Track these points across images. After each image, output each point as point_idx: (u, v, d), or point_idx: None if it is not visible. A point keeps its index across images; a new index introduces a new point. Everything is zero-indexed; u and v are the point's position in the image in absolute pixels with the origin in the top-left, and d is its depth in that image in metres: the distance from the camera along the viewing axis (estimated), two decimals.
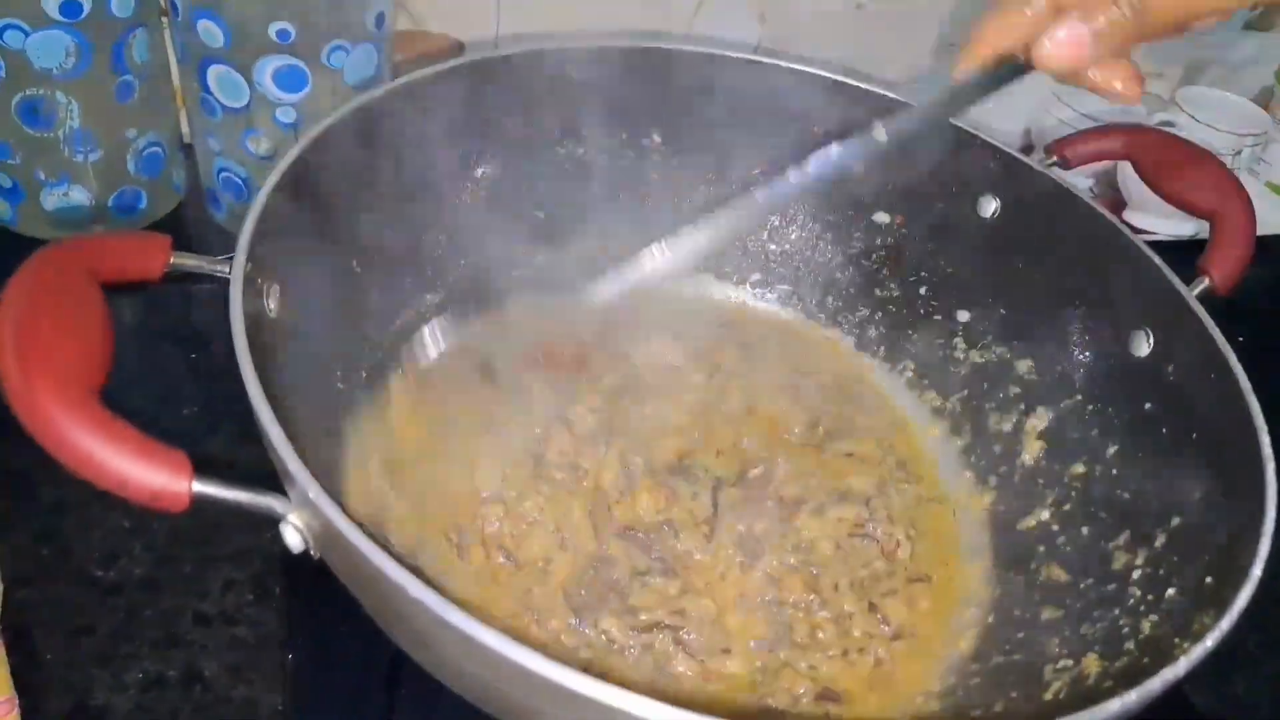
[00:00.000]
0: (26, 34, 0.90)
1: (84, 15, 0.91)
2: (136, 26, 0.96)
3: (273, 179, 0.66)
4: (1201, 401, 0.71)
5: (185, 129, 1.09)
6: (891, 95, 0.88)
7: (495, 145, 0.87)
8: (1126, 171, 1.24)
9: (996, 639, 0.72)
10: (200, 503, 0.51)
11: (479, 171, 0.87)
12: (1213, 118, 1.33)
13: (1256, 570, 0.57)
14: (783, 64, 0.89)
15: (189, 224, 1.08)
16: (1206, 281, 0.79)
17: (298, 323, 0.67)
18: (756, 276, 1.00)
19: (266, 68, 0.94)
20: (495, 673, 0.46)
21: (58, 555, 0.77)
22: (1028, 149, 1.38)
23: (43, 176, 1.00)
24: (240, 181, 1.02)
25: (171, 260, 0.61)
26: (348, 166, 0.74)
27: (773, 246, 0.99)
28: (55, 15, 0.89)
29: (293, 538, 0.53)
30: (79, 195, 1.02)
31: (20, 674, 0.66)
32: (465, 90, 0.81)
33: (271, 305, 0.64)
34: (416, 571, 0.46)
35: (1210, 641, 0.54)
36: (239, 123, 0.98)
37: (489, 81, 0.83)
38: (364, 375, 0.77)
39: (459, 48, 1.16)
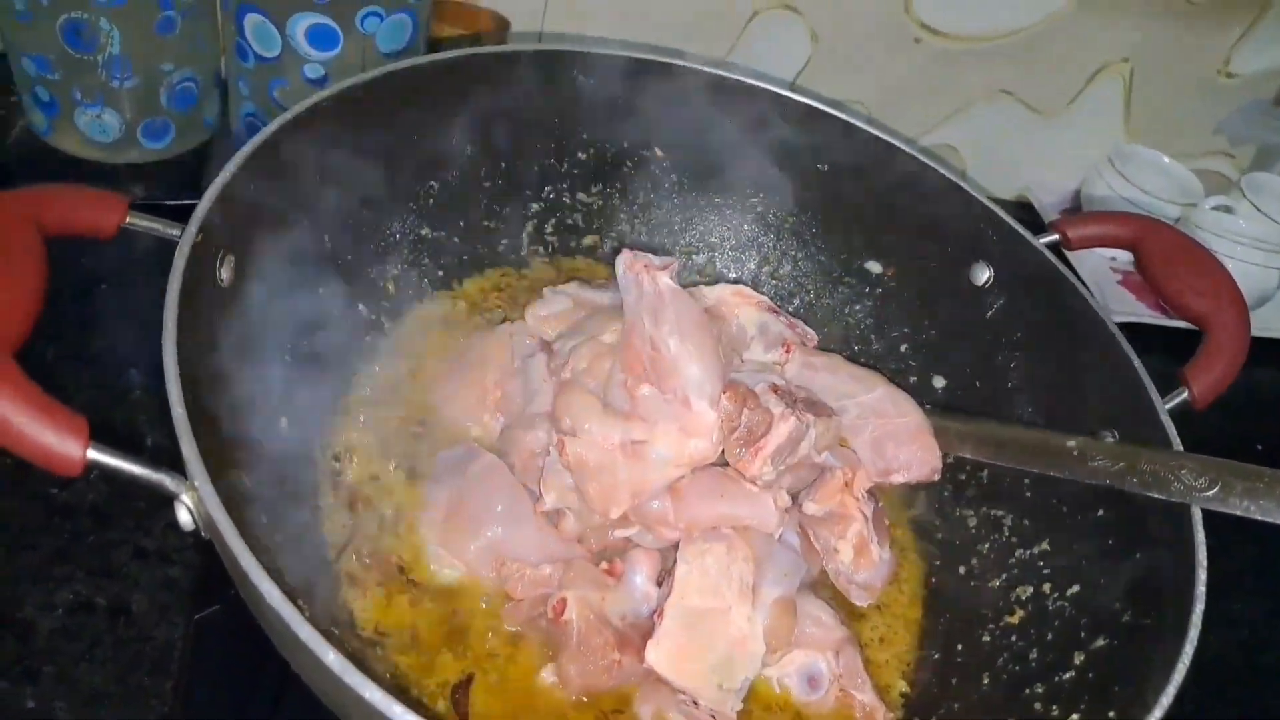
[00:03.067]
0: None
1: None
2: None
3: (244, 152, 0.67)
4: (1152, 520, 0.69)
5: (224, 70, 1.11)
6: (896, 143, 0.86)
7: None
8: None
9: None
10: (94, 470, 0.52)
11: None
12: (1277, 209, 1.27)
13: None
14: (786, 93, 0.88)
15: (212, 163, 1.10)
16: (1185, 394, 0.76)
17: (252, 295, 0.68)
18: None
19: (300, 23, 0.95)
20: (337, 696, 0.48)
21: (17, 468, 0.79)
22: (1076, 209, 1.35)
23: (79, 96, 1.03)
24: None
25: (126, 220, 0.62)
26: (327, 150, 0.74)
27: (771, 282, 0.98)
28: None
29: (184, 515, 0.53)
30: (110, 119, 1.05)
31: None
32: (455, 85, 0.81)
33: (224, 275, 0.66)
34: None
35: None
36: (269, 72, 1.00)
37: (481, 80, 0.83)
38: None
39: (504, 26, 1.15)
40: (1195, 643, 0.59)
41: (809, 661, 0.71)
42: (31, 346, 0.55)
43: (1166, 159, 1.34)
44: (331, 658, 0.46)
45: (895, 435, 0.77)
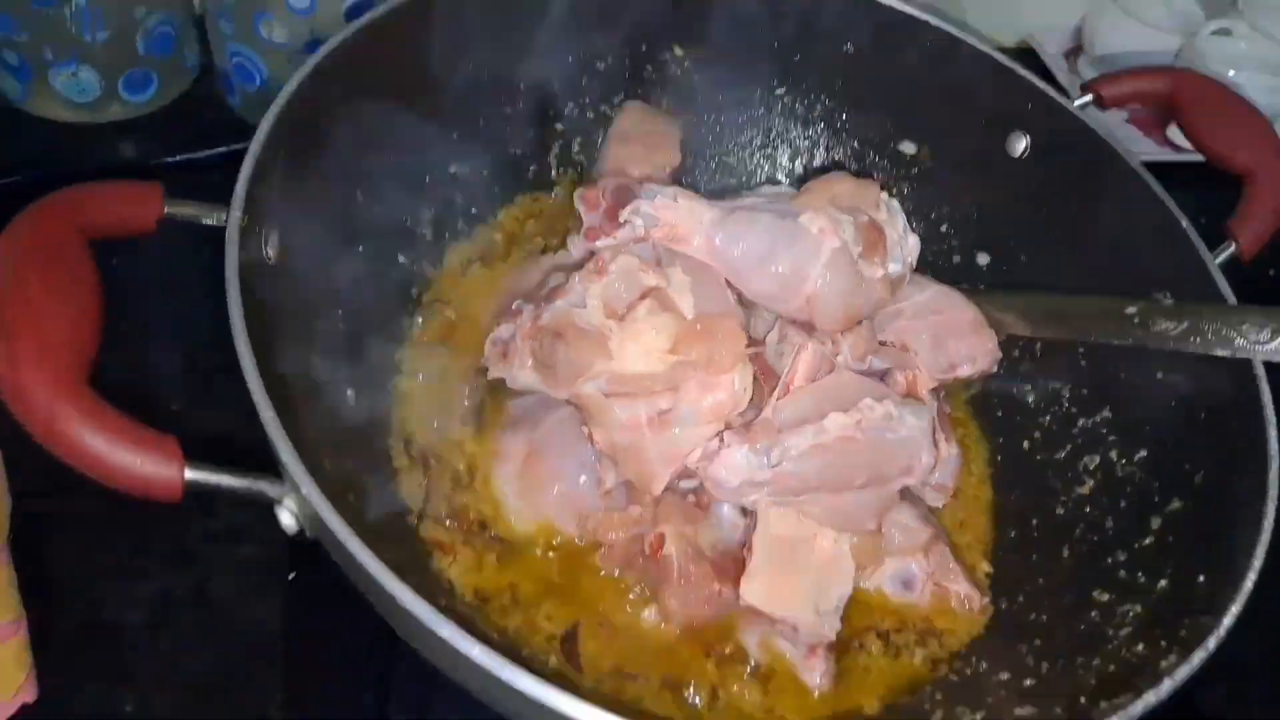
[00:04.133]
0: None
1: None
2: None
3: (266, 124, 0.63)
4: (1213, 378, 0.69)
5: (196, 3, 1.05)
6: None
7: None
8: None
9: None
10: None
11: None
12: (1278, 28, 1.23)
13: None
14: None
15: (202, 109, 1.05)
16: (1232, 247, 0.75)
17: (299, 267, 0.66)
18: None
19: None
20: (481, 684, 0.48)
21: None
22: (1076, 50, 1.31)
23: (50, 56, 0.98)
24: (253, 69, 0.99)
25: (165, 210, 0.60)
26: (351, 98, 0.71)
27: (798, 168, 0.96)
28: None
29: (287, 519, 0.53)
30: (88, 75, 1.00)
31: (32, 589, 0.65)
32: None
33: (270, 252, 0.63)
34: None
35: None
36: (251, 4, 0.95)
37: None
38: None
39: None
40: (1278, 500, 0.61)
41: (901, 566, 0.73)
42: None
43: None
44: (476, 652, 0.47)
45: (954, 330, 0.76)
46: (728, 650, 0.68)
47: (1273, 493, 0.61)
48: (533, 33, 0.82)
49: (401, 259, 0.80)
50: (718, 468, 0.65)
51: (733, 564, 0.69)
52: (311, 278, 0.68)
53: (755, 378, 0.68)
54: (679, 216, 0.69)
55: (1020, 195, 0.84)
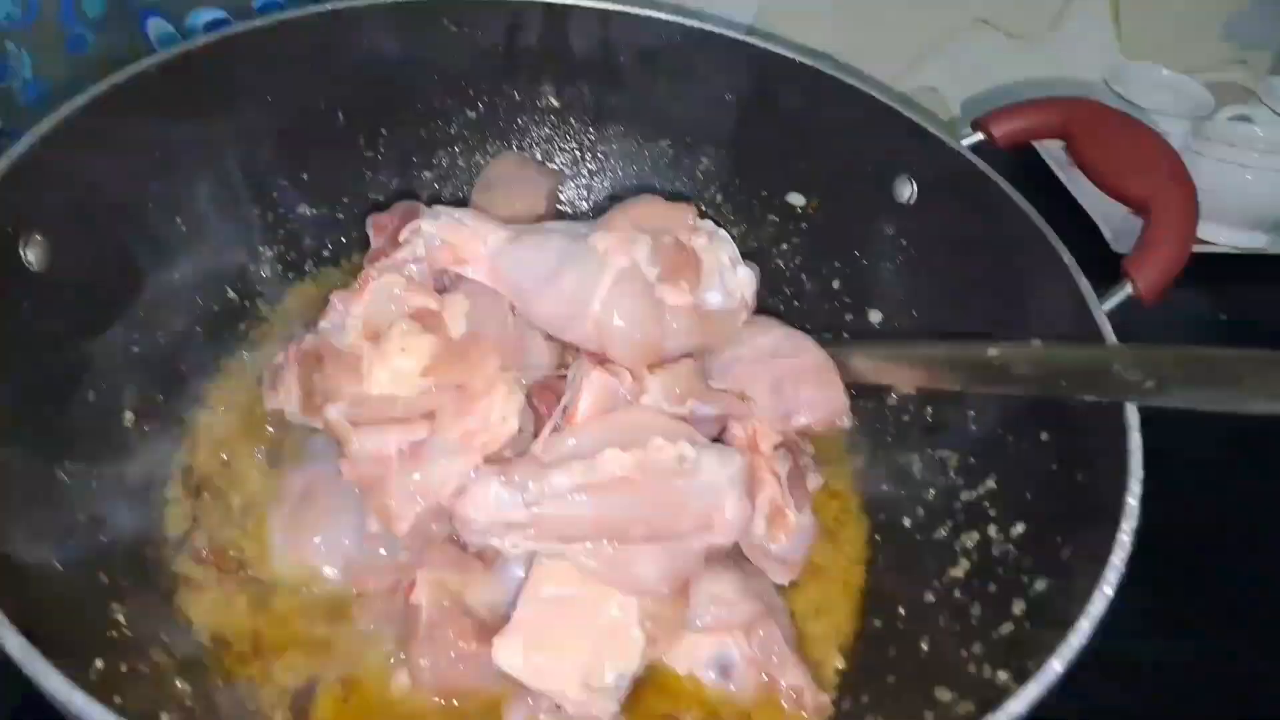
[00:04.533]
0: None
1: None
2: None
3: (42, 126, 0.62)
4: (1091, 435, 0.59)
5: None
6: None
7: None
8: None
9: None
10: None
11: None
12: None
13: None
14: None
15: None
16: (1129, 288, 0.65)
17: (81, 280, 0.63)
18: None
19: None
20: None
21: None
22: None
23: None
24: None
25: None
26: (170, 121, 0.69)
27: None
28: None
29: None
30: None
31: None
32: (317, 43, 0.76)
33: (30, 257, 0.60)
34: None
35: None
36: None
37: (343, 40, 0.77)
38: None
39: None
40: (1120, 568, 0.50)
41: (717, 647, 0.62)
42: None
43: (1167, 72, 1.21)
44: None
45: (794, 375, 0.67)
46: None
47: (1115, 558, 0.51)
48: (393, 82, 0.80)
49: (230, 292, 0.76)
50: (465, 503, 0.57)
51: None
52: (97, 293, 0.65)
53: (534, 410, 0.61)
54: (462, 237, 0.63)
55: (908, 244, 0.76)
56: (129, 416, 0.66)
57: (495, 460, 0.59)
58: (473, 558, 0.62)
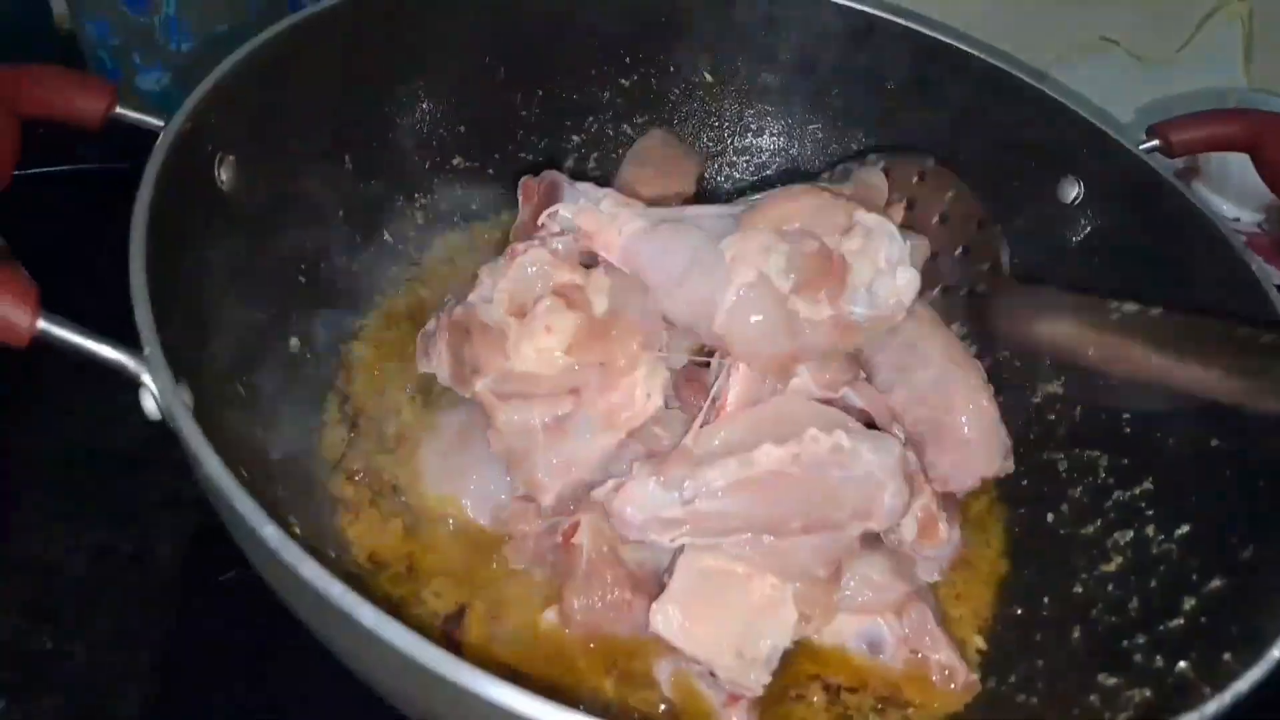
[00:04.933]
0: None
1: None
2: None
3: (252, 44, 0.63)
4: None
5: None
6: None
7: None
8: None
9: None
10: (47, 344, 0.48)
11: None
12: None
13: None
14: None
15: None
16: None
17: (262, 205, 0.65)
18: None
19: None
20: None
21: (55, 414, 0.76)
22: (1191, 171, 1.22)
23: (138, 60, 1.03)
24: None
25: (116, 109, 0.59)
26: (351, 58, 0.71)
27: None
28: None
29: (148, 403, 0.49)
30: (170, 81, 1.04)
31: None
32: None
33: (224, 176, 0.62)
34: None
35: None
36: None
37: None
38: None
39: None
40: None
41: (867, 624, 0.62)
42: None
43: None
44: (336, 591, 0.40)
45: (937, 436, 0.65)
46: (634, 673, 0.58)
47: None
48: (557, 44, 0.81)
49: (387, 236, 0.77)
50: (621, 502, 0.57)
51: (655, 584, 0.59)
52: (275, 220, 0.66)
53: (682, 400, 0.61)
54: (598, 224, 0.63)
55: (1071, 246, 0.75)
56: (294, 343, 0.68)
57: (639, 438, 0.60)
58: None
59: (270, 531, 0.41)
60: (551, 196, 0.65)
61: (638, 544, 0.60)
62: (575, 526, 0.59)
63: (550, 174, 0.67)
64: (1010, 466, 0.66)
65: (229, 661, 0.63)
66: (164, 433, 0.68)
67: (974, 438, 0.65)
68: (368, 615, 0.39)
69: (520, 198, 0.68)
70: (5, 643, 0.62)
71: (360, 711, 0.52)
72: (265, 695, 0.62)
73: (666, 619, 0.56)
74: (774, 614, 0.58)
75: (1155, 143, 0.74)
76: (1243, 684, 0.45)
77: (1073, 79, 1.22)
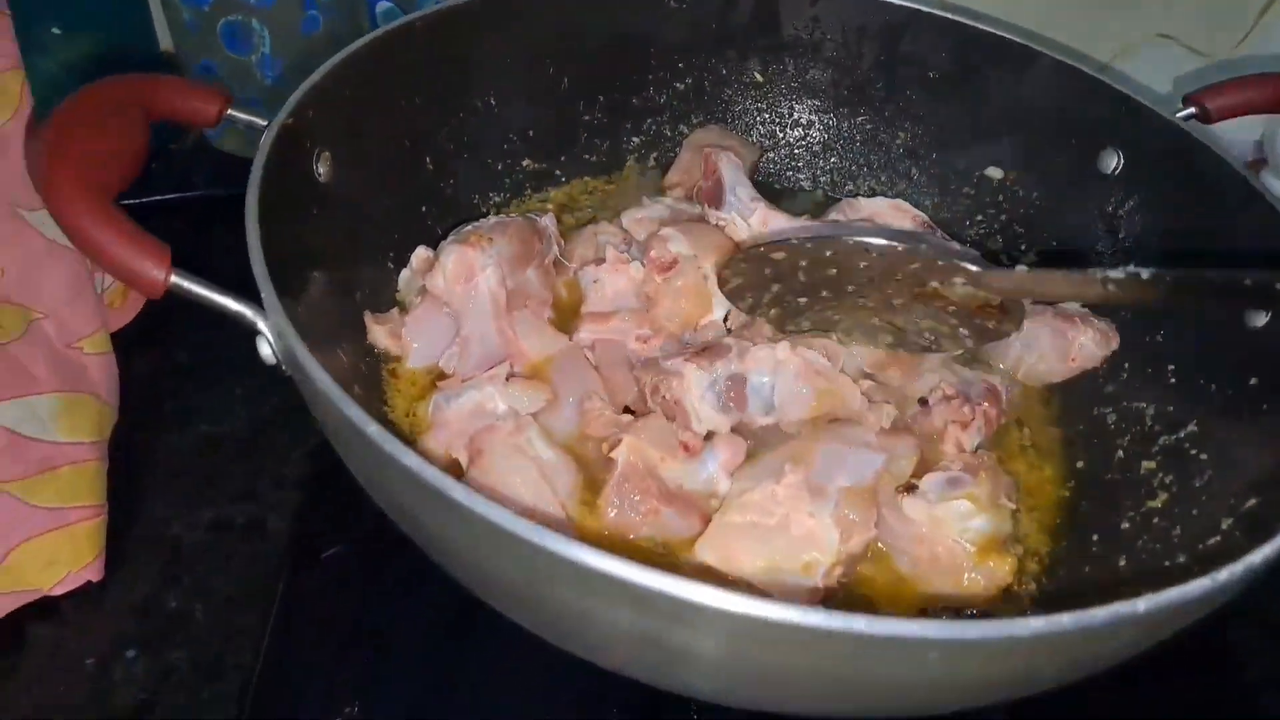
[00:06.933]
0: None
1: None
2: None
3: (345, 52, 0.70)
4: None
5: None
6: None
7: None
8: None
9: None
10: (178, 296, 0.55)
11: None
12: None
13: None
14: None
15: None
16: None
17: (355, 198, 0.72)
18: None
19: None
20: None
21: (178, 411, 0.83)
22: (1259, 163, 1.23)
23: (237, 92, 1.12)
24: None
25: (228, 111, 0.67)
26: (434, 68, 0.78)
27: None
28: None
29: (264, 349, 0.56)
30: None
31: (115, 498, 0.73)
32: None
33: (321, 170, 0.69)
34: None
35: None
36: None
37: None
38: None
39: None
40: None
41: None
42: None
43: None
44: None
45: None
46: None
47: None
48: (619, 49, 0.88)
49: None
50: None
51: (690, 504, 0.66)
52: (363, 211, 0.74)
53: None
54: None
55: (1113, 217, 0.79)
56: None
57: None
58: (681, 447, 0.68)
59: (374, 430, 0.47)
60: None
61: (689, 474, 0.67)
62: (617, 441, 0.66)
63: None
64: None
65: (330, 622, 0.70)
66: (271, 421, 0.78)
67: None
68: (459, 493, 0.44)
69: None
70: (137, 604, 0.69)
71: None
72: (360, 651, 0.68)
73: (711, 549, 0.63)
74: (816, 537, 0.62)
75: (1191, 110, 0.77)
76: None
77: (1133, 76, 1.23)
